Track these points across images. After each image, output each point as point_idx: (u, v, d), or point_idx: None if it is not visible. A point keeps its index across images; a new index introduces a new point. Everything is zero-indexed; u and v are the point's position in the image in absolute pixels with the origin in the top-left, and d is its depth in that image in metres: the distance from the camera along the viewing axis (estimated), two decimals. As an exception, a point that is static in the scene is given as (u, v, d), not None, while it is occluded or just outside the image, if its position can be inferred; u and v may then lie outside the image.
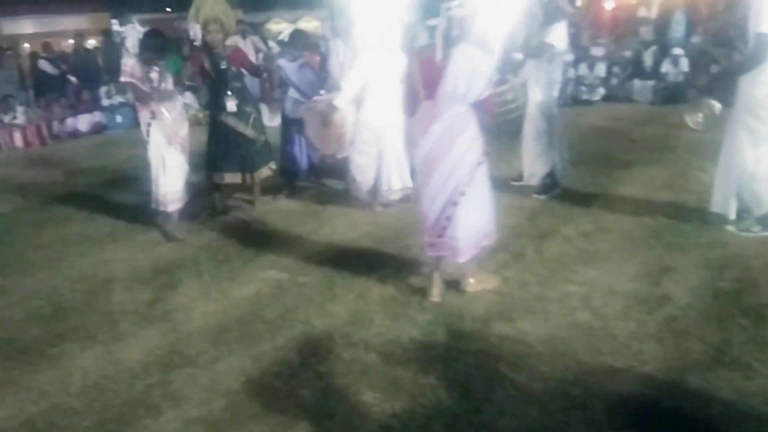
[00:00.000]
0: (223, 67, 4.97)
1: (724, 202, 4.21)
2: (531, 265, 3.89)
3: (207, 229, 4.98)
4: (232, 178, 5.23)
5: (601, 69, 10.41)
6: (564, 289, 3.56)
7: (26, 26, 20.20)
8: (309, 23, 19.75)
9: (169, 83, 4.64)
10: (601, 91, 10.26)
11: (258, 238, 4.75)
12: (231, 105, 5.02)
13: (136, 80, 4.50)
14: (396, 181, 4.98)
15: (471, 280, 3.56)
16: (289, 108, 5.62)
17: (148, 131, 4.64)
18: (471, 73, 3.12)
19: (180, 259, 4.42)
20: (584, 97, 10.11)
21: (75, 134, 10.43)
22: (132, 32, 4.70)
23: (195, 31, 4.92)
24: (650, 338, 3.02)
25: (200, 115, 9.67)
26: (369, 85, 4.63)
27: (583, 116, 8.87)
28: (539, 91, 4.96)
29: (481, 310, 3.37)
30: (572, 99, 10.05)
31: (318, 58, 6.19)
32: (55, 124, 10.47)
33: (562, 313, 3.29)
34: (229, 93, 5.01)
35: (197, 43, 5.01)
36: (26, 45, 16.41)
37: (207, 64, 4.97)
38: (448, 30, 3.14)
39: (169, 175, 4.70)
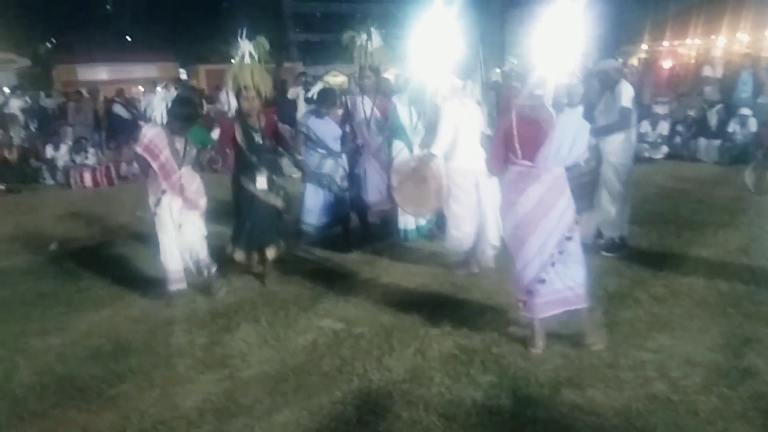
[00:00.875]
0: (257, 140, 4.61)
1: None
2: (600, 328, 3.69)
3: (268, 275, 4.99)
4: (243, 258, 4.76)
5: (664, 127, 10.20)
6: (637, 356, 3.35)
7: (102, 73, 21.52)
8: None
9: (192, 156, 4.44)
10: (665, 149, 10.03)
11: (315, 286, 4.73)
12: (261, 181, 4.60)
13: (149, 153, 4.24)
14: (495, 234, 4.59)
15: (593, 339, 3.47)
16: (316, 164, 5.43)
17: (157, 201, 4.36)
18: (573, 137, 3.26)
19: (238, 303, 4.43)
20: (646, 154, 9.86)
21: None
22: (158, 102, 4.39)
23: (227, 99, 4.73)
24: (736, 416, 2.79)
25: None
26: (458, 132, 4.50)
27: (647, 174, 8.62)
28: (615, 153, 4.88)
29: (549, 374, 3.20)
30: (634, 157, 9.83)
31: (340, 113, 6.01)
32: (124, 166, 10.94)
33: (636, 383, 3.08)
34: (262, 168, 4.60)
35: (231, 112, 4.81)
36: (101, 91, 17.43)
37: (239, 135, 4.57)
38: (557, 96, 3.22)
39: (190, 244, 4.47)
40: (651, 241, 5.36)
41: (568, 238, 3.33)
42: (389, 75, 7.04)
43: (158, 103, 4.39)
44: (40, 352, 3.83)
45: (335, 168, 5.47)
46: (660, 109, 10.51)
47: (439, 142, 4.48)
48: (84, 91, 13.17)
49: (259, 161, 4.60)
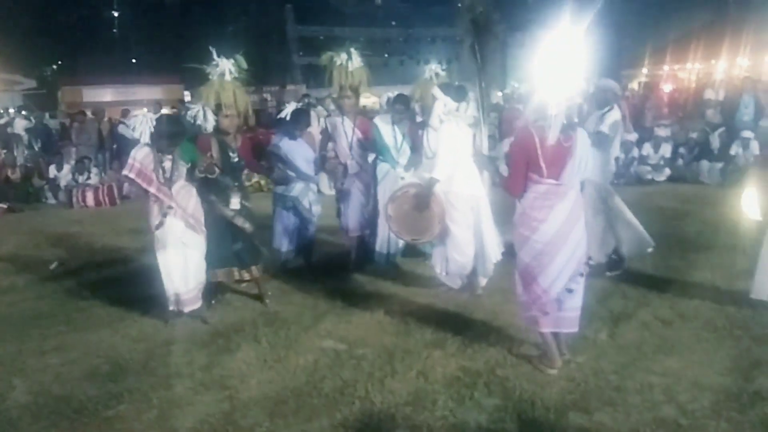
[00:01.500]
0: (234, 159, 4.57)
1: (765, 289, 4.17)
2: (606, 351, 3.64)
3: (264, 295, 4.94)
4: (224, 275, 4.62)
5: (666, 149, 10.22)
6: (644, 379, 3.29)
7: (107, 95, 21.70)
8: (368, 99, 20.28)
9: (182, 173, 4.30)
10: (667, 171, 10.03)
11: (316, 306, 4.68)
12: (235, 201, 4.49)
13: (142, 178, 4.12)
14: (495, 253, 4.61)
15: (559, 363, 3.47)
16: (283, 186, 5.30)
17: (159, 224, 4.25)
18: (587, 153, 3.38)
19: (238, 323, 4.37)
20: (648, 176, 9.87)
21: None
22: (143, 121, 4.26)
23: (201, 115, 4.44)
24: (747, 442, 2.72)
25: (262, 182, 9.94)
26: (455, 156, 4.46)
27: (650, 196, 8.62)
28: (594, 173, 4.88)
29: (554, 397, 3.13)
30: (636, 178, 9.85)
31: (317, 136, 5.85)
32: (126, 186, 10.93)
33: (644, 407, 3.02)
34: (236, 186, 4.54)
35: (206, 128, 4.49)
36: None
37: (215, 152, 4.47)
38: (568, 116, 3.29)
39: (192, 269, 4.34)
40: (656, 263, 5.31)
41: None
42: (373, 98, 6.94)
43: (142, 123, 4.25)
44: (37, 371, 3.77)
45: (304, 192, 5.29)
46: (662, 132, 10.53)
47: (441, 165, 4.40)
48: (88, 112, 13.23)
49: (234, 181, 4.54)
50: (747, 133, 9.86)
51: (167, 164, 4.22)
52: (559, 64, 3.27)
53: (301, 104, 5.41)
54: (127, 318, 4.60)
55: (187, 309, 4.37)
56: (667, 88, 17.24)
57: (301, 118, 5.40)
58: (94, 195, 10.41)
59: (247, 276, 4.65)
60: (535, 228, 3.36)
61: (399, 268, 5.46)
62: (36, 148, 12.33)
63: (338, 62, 5.28)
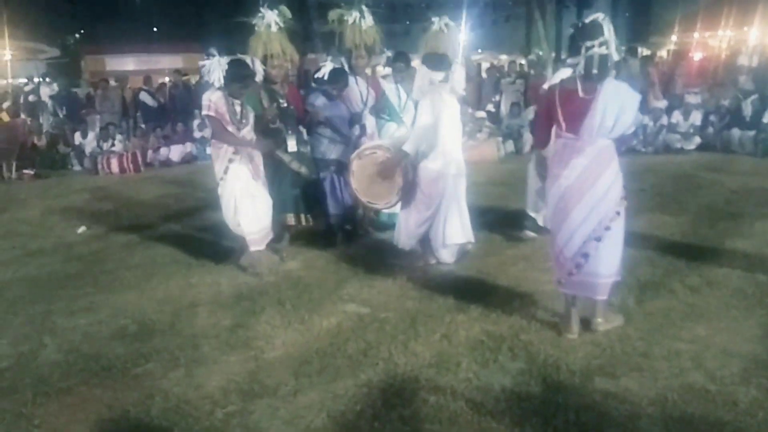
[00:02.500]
0: (283, 104, 4.79)
1: None
2: (633, 318, 3.58)
3: (289, 258, 4.96)
4: (288, 219, 4.90)
5: (696, 117, 9.93)
6: (672, 346, 3.23)
7: (129, 64, 21.73)
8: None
9: (250, 119, 4.50)
10: (697, 140, 9.76)
11: (338, 270, 4.68)
12: (292, 143, 4.71)
13: (218, 115, 4.33)
14: (458, 235, 4.46)
15: (600, 320, 3.41)
16: (323, 149, 5.13)
17: (226, 168, 4.42)
18: (619, 108, 3.14)
19: (262, 286, 4.40)
20: (678, 145, 9.64)
21: (167, 163, 10.92)
22: (216, 65, 4.41)
23: (255, 65, 4.57)
24: (777, 409, 2.67)
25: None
26: (435, 132, 4.23)
27: (678, 165, 8.44)
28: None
29: (580, 362, 3.10)
30: (664, 147, 9.63)
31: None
32: (150, 153, 11.03)
33: (671, 373, 2.97)
34: (290, 132, 4.76)
35: (258, 78, 4.61)
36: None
37: (265, 101, 4.70)
38: (587, 67, 3.14)
39: (259, 210, 4.53)
40: (684, 232, 5.21)
41: (618, 213, 3.27)
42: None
43: (216, 66, 4.40)
44: (67, 331, 3.85)
45: (345, 154, 5.04)
46: (692, 99, 10.22)
47: (413, 140, 4.25)
48: (111, 80, 13.28)
49: (287, 126, 4.73)
50: (781, 101, 9.54)
51: (237, 108, 4.40)
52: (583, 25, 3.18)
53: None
54: (153, 280, 4.67)
55: (263, 245, 4.60)
56: (697, 56, 16.72)
57: (339, 77, 5.13)
58: (119, 162, 10.50)
59: (303, 222, 4.94)
60: (553, 181, 3.33)
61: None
62: (61, 116, 12.44)
63: (350, 21, 5.15)
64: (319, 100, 5.08)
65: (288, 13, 4.81)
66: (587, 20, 3.22)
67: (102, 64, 22.01)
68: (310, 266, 4.81)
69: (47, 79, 13.76)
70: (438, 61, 4.33)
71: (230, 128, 4.38)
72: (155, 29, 33.40)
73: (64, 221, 6.83)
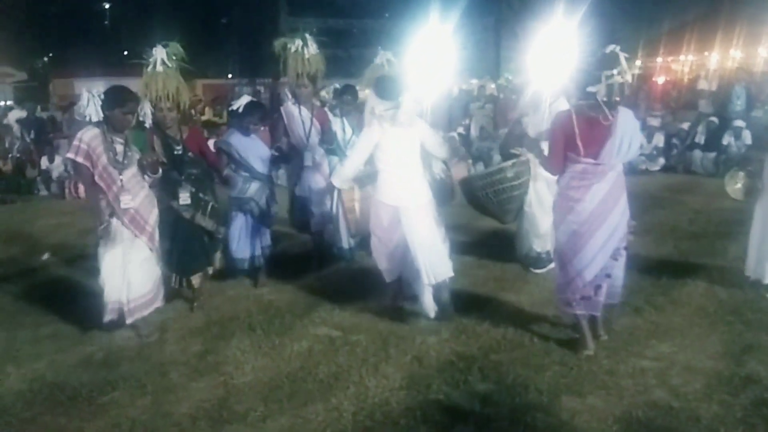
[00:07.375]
0: (177, 152, 4.27)
1: (759, 268, 4.25)
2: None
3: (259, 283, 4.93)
4: (196, 280, 4.44)
5: (659, 139, 10.27)
6: (637, 364, 3.31)
7: (98, 87, 21.17)
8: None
9: (133, 159, 3.85)
10: (661, 161, 10.08)
11: (310, 294, 4.68)
12: (184, 196, 4.22)
13: (88, 160, 3.67)
14: (438, 271, 3.95)
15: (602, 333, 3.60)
16: (239, 187, 4.75)
17: (106, 224, 3.78)
18: (631, 133, 3.35)
19: (233, 311, 4.37)
20: (643, 166, 9.90)
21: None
22: (91, 100, 3.80)
23: (144, 108, 4.14)
24: (738, 423, 2.76)
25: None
26: (382, 160, 3.92)
27: (643, 186, 8.63)
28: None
29: (548, 381, 3.16)
30: (630, 168, 9.86)
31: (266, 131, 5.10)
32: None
33: (637, 390, 3.04)
34: (183, 181, 4.25)
35: (147, 122, 4.21)
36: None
37: (158, 147, 4.20)
38: (609, 95, 3.29)
39: (135, 276, 3.80)
40: (648, 251, 5.34)
41: (631, 233, 3.50)
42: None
43: (90, 100, 3.78)
44: (31, 359, 3.76)
45: (260, 193, 4.77)
46: (654, 122, 10.58)
47: (342, 170, 4.10)
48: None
49: (180, 175, 4.24)
50: (739, 123, 9.89)
51: (119, 147, 3.78)
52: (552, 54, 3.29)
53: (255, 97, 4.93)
54: (120, 306, 4.58)
55: (130, 319, 3.84)
56: (660, 80, 17.31)
57: (255, 111, 4.77)
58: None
59: (193, 283, 4.39)
60: (570, 208, 3.38)
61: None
62: (28, 140, 12.23)
63: (293, 49, 4.95)
64: (234, 137, 4.74)
65: (180, 51, 4.32)
66: (605, 51, 3.37)
67: (71, 87, 21.66)
68: (281, 290, 4.80)
69: (19, 105, 13.48)
70: (387, 88, 3.92)
71: (110, 170, 3.72)
72: (125, 52, 33.21)
73: (30, 247, 6.69)
